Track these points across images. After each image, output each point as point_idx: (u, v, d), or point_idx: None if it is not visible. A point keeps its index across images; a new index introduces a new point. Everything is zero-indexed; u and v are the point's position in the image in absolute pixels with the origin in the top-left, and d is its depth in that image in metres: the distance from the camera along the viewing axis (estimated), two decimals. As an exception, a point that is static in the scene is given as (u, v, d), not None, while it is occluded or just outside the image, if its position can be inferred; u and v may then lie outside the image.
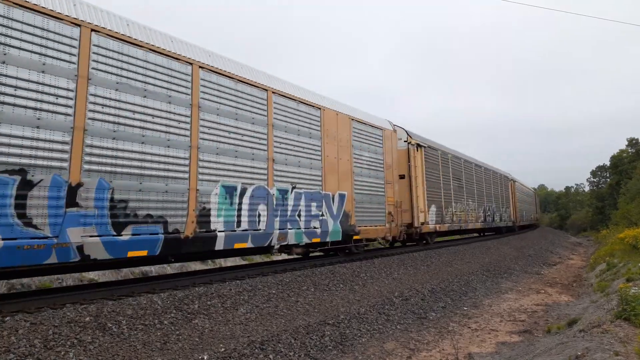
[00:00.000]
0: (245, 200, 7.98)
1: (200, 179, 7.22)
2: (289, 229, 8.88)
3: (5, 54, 5.10)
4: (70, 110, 5.63)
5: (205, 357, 4.69)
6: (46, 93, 5.43)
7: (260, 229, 8.23)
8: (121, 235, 6.02)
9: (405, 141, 14.94)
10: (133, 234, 6.15)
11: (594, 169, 67.09)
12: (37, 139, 5.28)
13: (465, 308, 8.75)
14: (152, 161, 6.52)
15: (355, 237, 11.16)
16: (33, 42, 5.37)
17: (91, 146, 5.82)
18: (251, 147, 8.29)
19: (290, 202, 8.98)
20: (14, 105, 5.11)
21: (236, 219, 7.79)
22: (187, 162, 7.02)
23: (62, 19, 5.67)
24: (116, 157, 6.08)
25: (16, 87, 5.16)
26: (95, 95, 5.93)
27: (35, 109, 5.29)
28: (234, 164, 7.88)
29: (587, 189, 75.01)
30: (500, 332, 7.20)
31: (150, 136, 6.54)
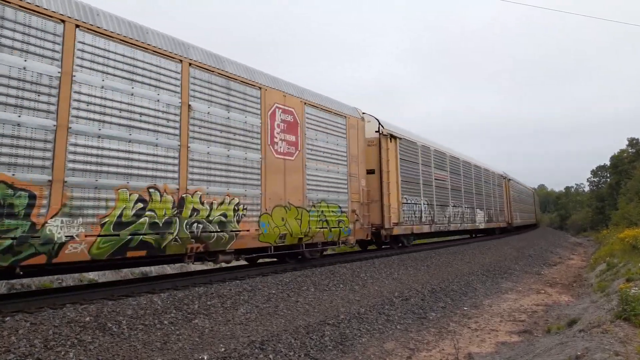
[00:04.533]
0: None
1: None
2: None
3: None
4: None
5: (205, 357, 4.69)
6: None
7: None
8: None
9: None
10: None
11: (594, 168, 67.20)
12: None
13: (465, 308, 8.75)
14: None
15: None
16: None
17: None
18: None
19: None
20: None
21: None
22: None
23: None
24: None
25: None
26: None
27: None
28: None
29: (587, 189, 75.13)
30: (500, 332, 7.20)
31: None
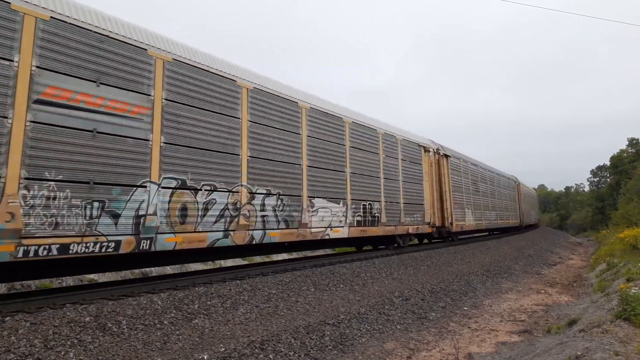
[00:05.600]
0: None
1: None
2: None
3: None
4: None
5: (205, 357, 4.69)
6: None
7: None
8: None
9: None
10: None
11: (594, 169, 67.34)
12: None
13: (465, 308, 8.75)
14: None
15: None
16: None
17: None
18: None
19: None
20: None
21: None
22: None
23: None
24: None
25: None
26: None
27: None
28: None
29: (587, 189, 75.23)
30: (500, 332, 7.20)
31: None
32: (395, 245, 14.42)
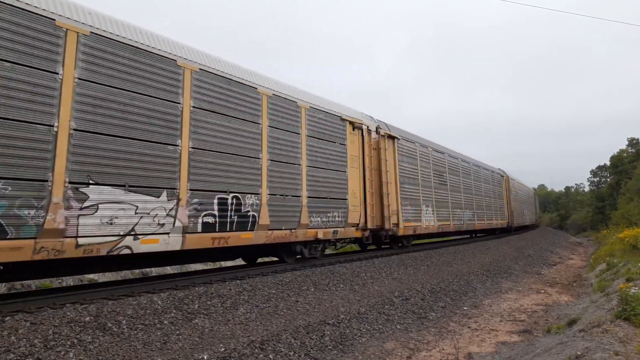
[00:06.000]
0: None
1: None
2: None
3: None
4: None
5: (205, 357, 4.69)
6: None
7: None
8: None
9: None
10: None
11: (594, 169, 67.38)
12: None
13: (465, 308, 8.76)
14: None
15: None
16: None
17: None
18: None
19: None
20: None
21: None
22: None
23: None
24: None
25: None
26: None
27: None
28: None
29: (587, 189, 75.31)
30: (500, 332, 7.20)
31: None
32: (298, 257, 10.31)
